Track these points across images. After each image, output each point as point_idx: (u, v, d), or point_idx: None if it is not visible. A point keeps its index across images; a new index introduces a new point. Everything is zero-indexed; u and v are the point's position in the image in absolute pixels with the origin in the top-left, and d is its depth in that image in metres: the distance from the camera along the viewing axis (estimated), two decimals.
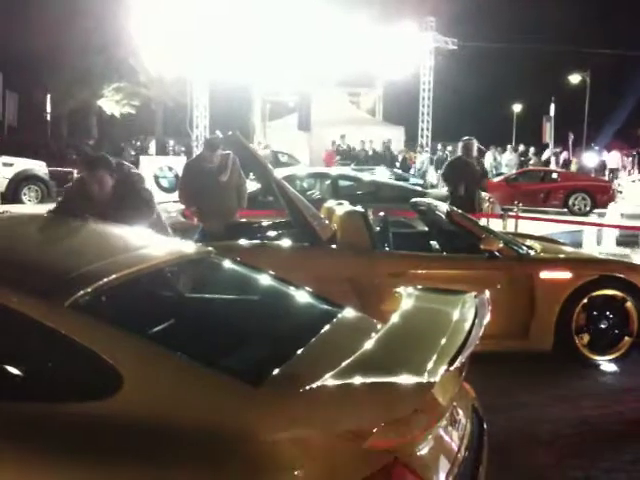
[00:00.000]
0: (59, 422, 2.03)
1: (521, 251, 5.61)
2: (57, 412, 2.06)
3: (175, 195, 8.11)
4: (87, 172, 4.69)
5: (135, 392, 2.07)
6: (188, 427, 2.00)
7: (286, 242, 5.71)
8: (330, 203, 6.52)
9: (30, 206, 16.47)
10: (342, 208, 5.97)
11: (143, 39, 21.51)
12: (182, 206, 7.43)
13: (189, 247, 3.22)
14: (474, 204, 8.64)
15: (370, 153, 21.91)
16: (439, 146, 24.24)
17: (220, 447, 1.97)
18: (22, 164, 17.33)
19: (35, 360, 2.28)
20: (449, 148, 26.97)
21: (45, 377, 2.24)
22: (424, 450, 2.14)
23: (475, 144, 9.02)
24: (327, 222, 5.85)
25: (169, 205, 8.31)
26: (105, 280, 2.37)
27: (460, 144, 9.11)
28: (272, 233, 6.34)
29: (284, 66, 21.69)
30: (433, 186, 17.54)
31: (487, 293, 2.80)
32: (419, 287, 3.04)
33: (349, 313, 2.95)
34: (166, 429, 1.99)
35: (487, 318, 2.58)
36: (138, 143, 33.49)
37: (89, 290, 2.29)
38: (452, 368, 2.16)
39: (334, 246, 5.48)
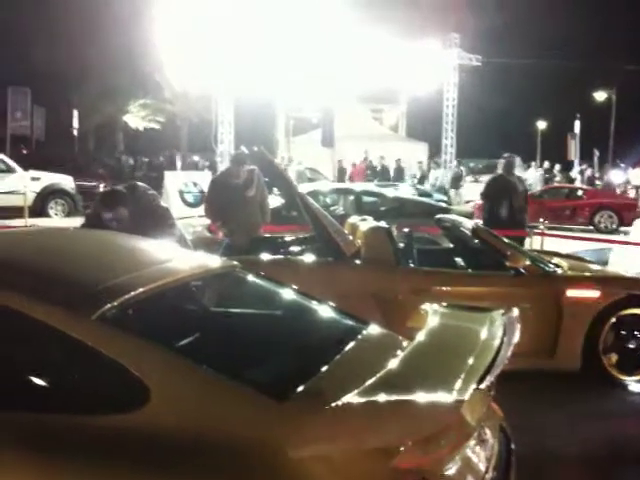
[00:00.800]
0: (87, 434, 2.03)
1: (548, 269, 5.54)
2: (85, 424, 2.06)
3: (200, 210, 8.16)
4: (105, 210, 4.69)
5: (162, 405, 2.07)
6: (213, 441, 2.00)
7: (310, 257, 5.71)
8: (354, 219, 6.51)
9: (57, 220, 16.66)
10: (366, 224, 5.96)
11: (168, 55, 21.81)
12: (207, 221, 7.47)
13: (214, 261, 3.23)
14: (516, 224, 8.48)
15: (378, 169, 21.92)
16: (454, 162, 24.11)
17: (245, 462, 1.96)
18: (49, 178, 17.56)
19: (63, 372, 2.29)
20: (471, 164, 26.83)
21: (73, 390, 2.25)
22: (452, 470, 2.11)
23: (517, 161, 8.90)
24: (351, 238, 5.84)
25: (194, 220, 8.38)
26: (132, 293, 2.38)
27: (501, 161, 8.99)
28: (296, 248, 6.34)
29: (308, 82, 21.83)
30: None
31: (516, 310, 2.75)
32: (446, 304, 3.01)
33: (374, 329, 2.93)
34: (191, 442, 1.99)
35: (516, 336, 2.54)
36: (161, 159, 33.86)
37: (116, 303, 2.30)
38: (481, 387, 2.12)
39: (358, 262, 5.46)
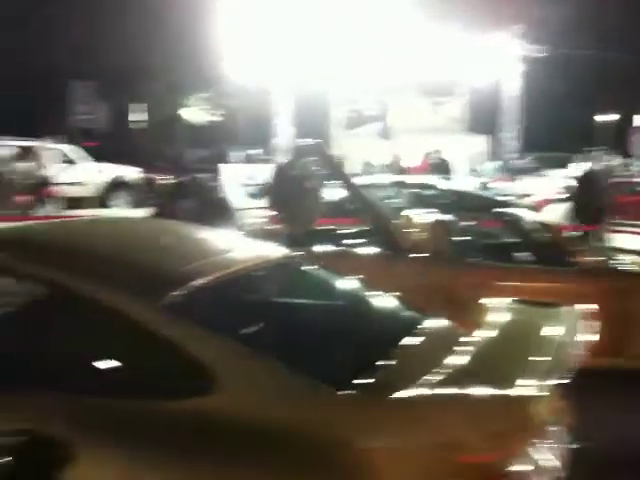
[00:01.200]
0: (161, 419, 2.07)
1: (615, 264, 5.37)
2: (157, 409, 2.10)
3: (261, 202, 8.24)
4: (171, 202, 4.86)
5: (228, 392, 2.09)
6: (275, 428, 2.01)
7: (367, 250, 5.68)
8: (411, 212, 6.45)
9: (121, 211, 16.98)
10: (423, 217, 5.90)
11: (229, 50, 22.07)
12: (268, 212, 7.55)
13: (276, 251, 3.25)
14: (601, 219, 8.53)
15: (430, 162, 21.59)
16: (514, 155, 23.62)
17: (306, 449, 1.97)
18: (114, 170, 17.96)
19: (131, 358, 2.32)
20: (531, 157, 26.20)
21: (141, 375, 2.28)
22: (517, 467, 2.06)
23: (600, 156, 9.00)
24: (408, 231, 5.79)
25: (255, 212, 8.46)
26: (198, 281, 2.41)
27: (593, 155, 9.05)
28: (353, 241, 6.32)
29: (365, 75, 21.75)
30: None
31: (587, 307, 2.67)
32: (513, 299, 2.94)
33: (438, 322, 2.89)
34: (254, 429, 2.01)
35: (591, 334, 2.46)
36: (220, 151, 34.24)
37: (183, 290, 2.33)
38: (549, 384, 2.07)
39: (415, 255, 5.40)
